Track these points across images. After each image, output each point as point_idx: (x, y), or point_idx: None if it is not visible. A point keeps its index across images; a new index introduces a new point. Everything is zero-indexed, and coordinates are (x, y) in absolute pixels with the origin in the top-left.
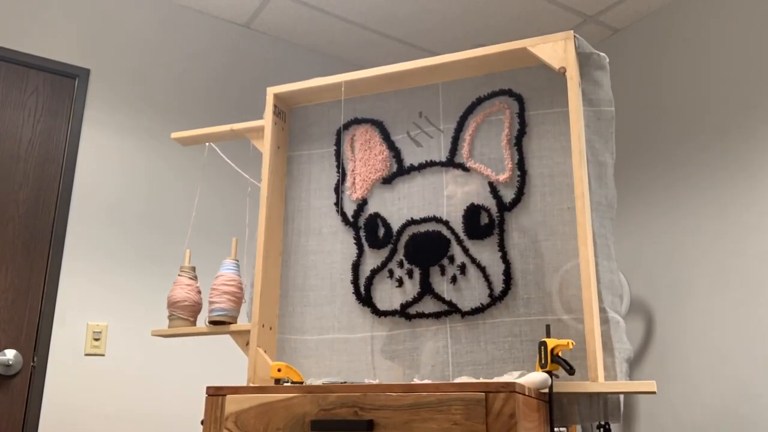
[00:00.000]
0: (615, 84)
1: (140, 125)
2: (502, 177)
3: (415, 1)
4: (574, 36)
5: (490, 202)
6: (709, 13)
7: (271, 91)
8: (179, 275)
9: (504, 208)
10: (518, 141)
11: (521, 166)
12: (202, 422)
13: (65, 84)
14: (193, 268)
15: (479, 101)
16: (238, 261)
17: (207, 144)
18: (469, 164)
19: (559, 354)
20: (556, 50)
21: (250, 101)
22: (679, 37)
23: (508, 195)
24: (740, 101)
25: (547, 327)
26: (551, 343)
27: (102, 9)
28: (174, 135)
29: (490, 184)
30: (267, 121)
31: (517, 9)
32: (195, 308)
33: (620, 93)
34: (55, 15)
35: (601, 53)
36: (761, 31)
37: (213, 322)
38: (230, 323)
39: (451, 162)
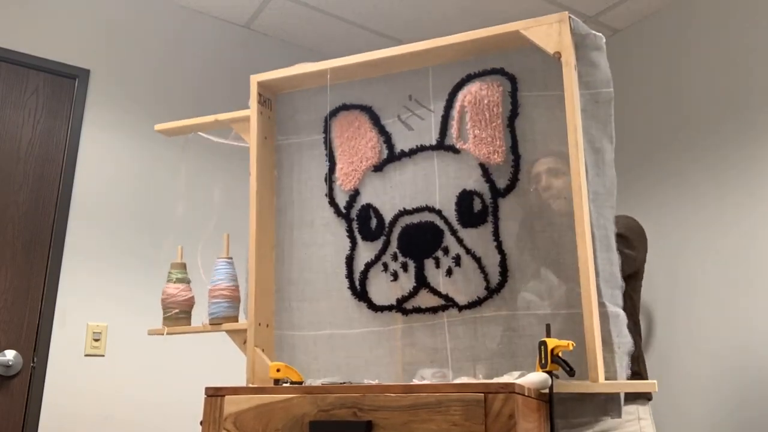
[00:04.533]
0: (615, 85)
1: (140, 125)
2: (494, 159)
3: (415, 2)
4: (569, 17)
5: (482, 187)
6: (708, 13)
7: (255, 78)
8: (168, 280)
9: (498, 194)
10: (511, 122)
11: (515, 149)
12: (201, 423)
13: (65, 84)
14: (184, 265)
15: (469, 78)
16: (231, 258)
17: (190, 134)
18: (459, 145)
19: (559, 354)
20: (550, 34)
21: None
22: (679, 37)
23: (501, 181)
24: (741, 101)
25: (547, 326)
26: (551, 343)
27: (102, 9)
28: (157, 126)
29: (482, 166)
30: (252, 110)
31: (516, 9)
32: (187, 307)
33: (620, 94)
34: (55, 15)
35: (598, 33)
36: (761, 30)
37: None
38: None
39: (441, 145)
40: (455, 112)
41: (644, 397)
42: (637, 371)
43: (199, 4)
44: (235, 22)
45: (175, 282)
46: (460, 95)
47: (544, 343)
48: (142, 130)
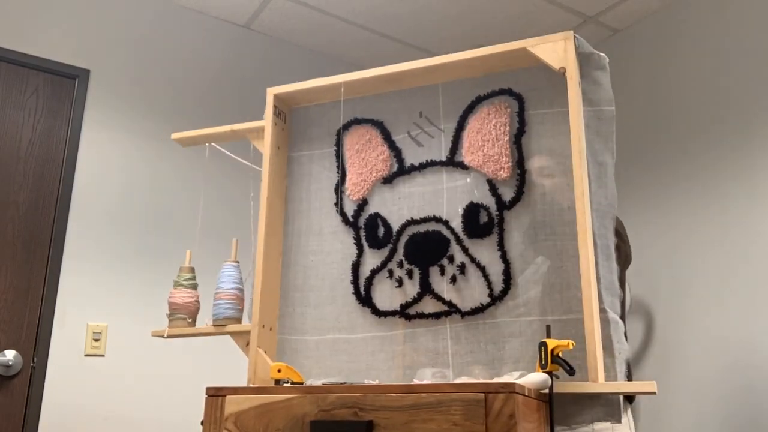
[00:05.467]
0: (614, 85)
1: (140, 125)
2: (501, 175)
3: (415, 0)
4: (574, 36)
5: (489, 201)
6: (709, 13)
7: (271, 91)
8: (177, 284)
9: (503, 206)
10: (518, 140)
11: (520, 165)
12: (201, 423)
13: (65, 84)
14: (192, 269)
15: (479, 100)
16: (238, 262)
17: (207, 144)
18: (468, 162)
19: (560, 354)
20: (555, 50)
21: (250, 101)
22: (679, 37)
23: (507, 194)
24: (741, 102)
25: (548, 327)
26: (551, 343)
27: (102, 9)
28: (174, 136)
29: (489, 182)
30: (267, 121)
31: (516, 9)
32: (193, 310)
33: (620, 94)
34: (55, 15)
35: (601, 53)
36: (761, 31)
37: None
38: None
39: (451, 161)
40: (467, 133)
41: (626, 399)
42: (628, 375)
43: (199, 4)
44: (235, 22)
45: (182, 286)
46: (472, 118)
47: (544, 344)
48: (141, 130)
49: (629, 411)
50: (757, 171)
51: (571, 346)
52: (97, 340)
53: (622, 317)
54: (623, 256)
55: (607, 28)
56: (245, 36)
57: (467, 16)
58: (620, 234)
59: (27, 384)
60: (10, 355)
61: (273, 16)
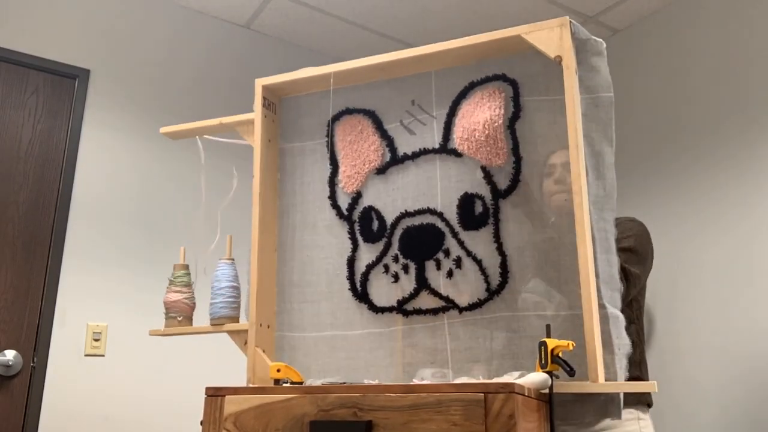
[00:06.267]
0: (615, 85)
1: (140, 125)
2: (496, 162)
3: (415, 1)
4: (570, 22)
5: (484, 190)
6: (708, 13)
7: (260, 82)
8: (170, 283)
9: (499, 195)
10: (512, 125)
11: (516, 151)
12: (201, 423)
13: (65, 84)
14: (186, 266)
15: (472, 86)
16: (233, 260)
17: (197, 137)
18: (461, 149)
19: (560, 354)
20: (551, 38)
21: (251, 101)
22: (679, 37)
23: (502, 182)
24: (741, 102)
25: (548, 327)
26: (551, 343)
27: (102, 9)
28: (163, 129)
29: (483, 168)
30: (256, 113)
31: (516, 9)
32: (185, 308)
33: (619, 93)
34: (55, 15)
35: (598, 39)
36: (761, 31)
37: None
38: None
39: (444, 148)
40: (459, 120)
41: (644, 403)
42: (639, 376)
43: (199, 4)
44: (235, 22)
45: (176, 284)
46: (465, 104)
47: (544, 344)
48: (142, 129)
49: (649, 417)
50: (758, 171)
51: (571, 347)
52: (97, 340)
53: (623, 311)
54: (635, 281)
55: (607, 28)
56: (245, 36)
57: (467, 16)
58: (637, 254)
59: (27, 384)
60: (10, 355)
61: (273, 16)
